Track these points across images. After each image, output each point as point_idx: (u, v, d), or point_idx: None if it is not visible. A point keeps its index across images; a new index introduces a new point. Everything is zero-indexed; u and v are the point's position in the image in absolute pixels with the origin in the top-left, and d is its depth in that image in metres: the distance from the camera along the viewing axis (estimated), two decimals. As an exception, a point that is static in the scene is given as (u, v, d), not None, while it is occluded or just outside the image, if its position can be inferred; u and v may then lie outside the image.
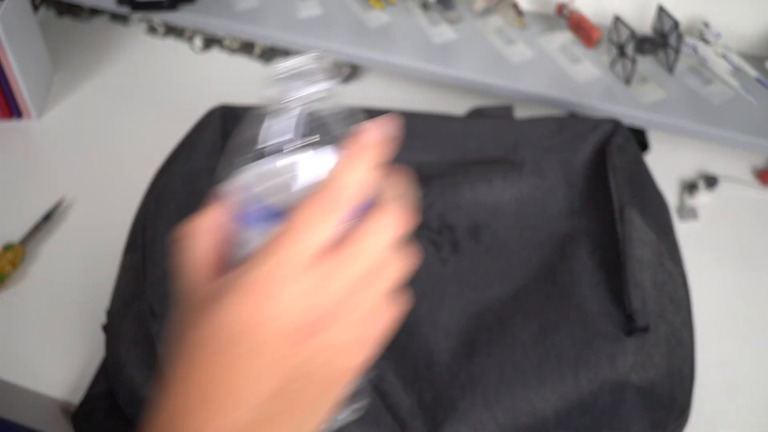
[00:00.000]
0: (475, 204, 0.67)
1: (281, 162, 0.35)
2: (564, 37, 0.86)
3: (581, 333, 0.56)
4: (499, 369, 0.56)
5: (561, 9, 0.85)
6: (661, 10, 0.79)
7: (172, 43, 0.98)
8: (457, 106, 0.82)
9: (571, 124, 0.70)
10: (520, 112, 0.86)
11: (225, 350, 0.32)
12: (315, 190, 0.34)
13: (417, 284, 0.62)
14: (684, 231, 0.78)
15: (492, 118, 0.73)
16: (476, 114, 0.75)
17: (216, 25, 0.88)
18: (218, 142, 0.69)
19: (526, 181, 0.67)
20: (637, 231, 0.61)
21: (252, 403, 0.32)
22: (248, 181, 0.36)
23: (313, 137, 0.36)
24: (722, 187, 0.81)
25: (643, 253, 0.60)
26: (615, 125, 0.69)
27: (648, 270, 0.60)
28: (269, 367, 0.32)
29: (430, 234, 0.66)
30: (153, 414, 0.34)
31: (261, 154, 0.35)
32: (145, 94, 0.92)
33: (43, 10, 1.02)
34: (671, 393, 0.57)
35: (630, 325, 0.57)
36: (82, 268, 0.75)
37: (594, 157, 0.68)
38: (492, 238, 0.65)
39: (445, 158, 0.68)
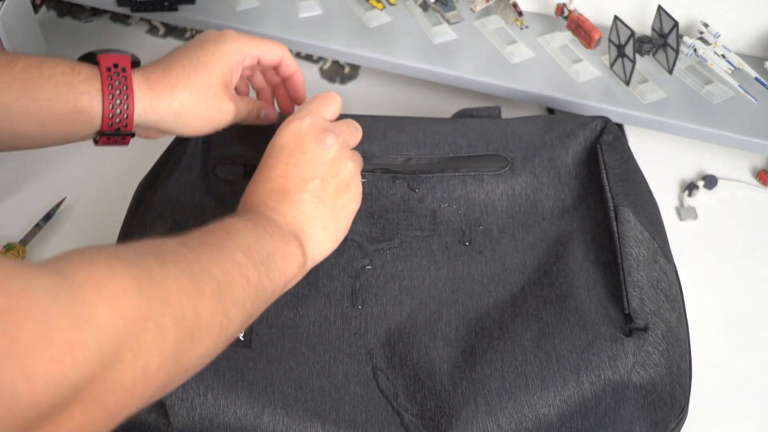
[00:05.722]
0: (467, 200, 0.66)
1: None
2: (564, 37, 0.86)
3: (581, 335, 0.56)
4: (500, 375, 0.55)
5: (561, 9, 0.85)
6: (661, 11, 0.79)
7: (172, 43, 0.98)
8: (457, 106, 0.82)
9: (560, 121, 0.70)
10: (520, 112, 0.86)
11: (290, 156, 0.56)
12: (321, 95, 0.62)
13: (414, 295, 0.61)
14: (683, 231, 0.78)
15: (480, 118, 0.72)
16: (463, 115, 0.74)
17: (216, 25, 0.88)
18: (199, 154, 0.68)
19: (517, 178, 0.67)
20: (633, 230, 0.61)
21: (309, 187, 0.56)
22: None
23: None
24: (722, 187, 0.82)
25: (639, 252, 0.60)
26: (605, 123, 0.69)
27: (644, 269, 0.60)
28: (314, 166, 0.56)
29: (421, 232, 0.65)
30: (247, 200, 0.56)
31: None
32: (146, 94, 0.92)
33: (43, 11, 1.02)
34: (671, 390, 0.57)
35: (629, 325, 0.57)
36: (83, 268, 0.74)
37: (585, 155, 0.68)
38: (484, 237, 0.65)
39: (435, 153, 0.67)
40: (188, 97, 0.60)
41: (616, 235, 0.61)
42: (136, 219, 0.64)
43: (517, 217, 0.66)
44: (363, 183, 0.65)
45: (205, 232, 0.49)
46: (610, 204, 0.63)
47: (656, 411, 0.56)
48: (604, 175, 0.65)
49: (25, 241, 0.76)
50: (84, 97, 0.58)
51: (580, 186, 0.67)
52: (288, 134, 0.57)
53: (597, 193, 0.65)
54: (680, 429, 0.59)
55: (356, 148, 0.64)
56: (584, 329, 0.56)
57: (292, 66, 0.67)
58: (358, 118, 0.69)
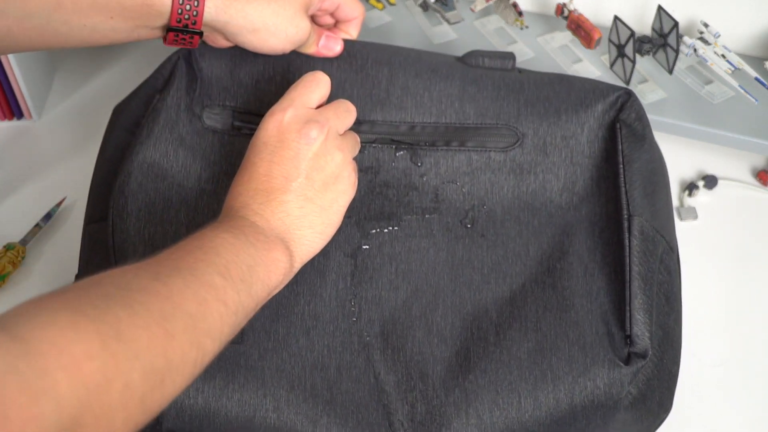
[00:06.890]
0: (471, 177, 0.62)
1: None
2: (564, 37, 0.86)
3: (579, 357, 0.55)
4: (494, 389, 0.55)
5: (561, 9, 0.85)
6: (661, 11, 0.79)
7: (172, 43, 0.98)
8: (457, 106, 0.83)
9: (579, 88, 0.64)
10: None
11: (272, 154, 0.54)
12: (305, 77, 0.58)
13: (410, 279, 0.59)
14: (684, 231, 0.78)
15: (492, 70, 0.66)
16: (474, 57, 0.67)
17: (216, 25, 0.88)
18: (182, 103, 0.62)
19: (526, 156, 0.63)
20: (645, 243, 0.58)
21: (293, 186, 0.53)
22: None
23: None
24: (722, 187, 0.82)
25: (649, 268, 0.58)
26: (628, 96, 0.63)
27: (649, 283, 0.58)
28: (297, 163, 0.54)
29: (422, 211, 0.62)
30: (231, 201, 0.53)
31: None
32: (146, 94, 0.92)
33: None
34: (660, 399, 0.57)
35: (628, 348, 0.56)
36: (83, 267, 0.75)
37: (601, 132, 0.63)
38: (487, 219, 0.61)
39: (440, 121, 0.63)
40: (265, 7, 0.58)
41: (627, 250, 0.58)
42: (116, 190, 0.60)
43: (523, 198, 0.62)
44: (364, 154, 0.62)
45: (181, 253, 0.47)
46: (624, 213, 0.59)
47: (643, 422, 0.57)
48: (622, 171, 0.61)
49: (25, 241, 0.76)
50: None
51: (593, 166, 0.62)
52: (270, 128, 0.55)
53: (610, 177, 0.61)
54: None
55: (357, 112, 0.61)
56: (583, 351, 0.55)
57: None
58: (359, 48, 0.65)
